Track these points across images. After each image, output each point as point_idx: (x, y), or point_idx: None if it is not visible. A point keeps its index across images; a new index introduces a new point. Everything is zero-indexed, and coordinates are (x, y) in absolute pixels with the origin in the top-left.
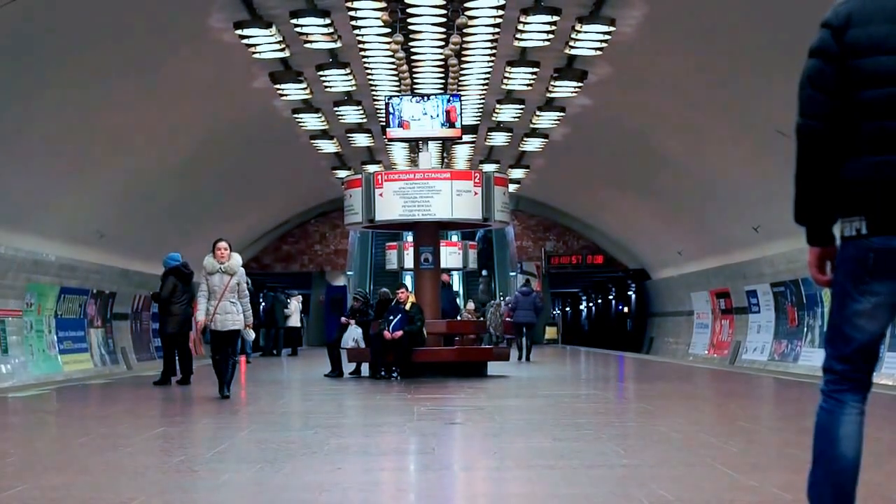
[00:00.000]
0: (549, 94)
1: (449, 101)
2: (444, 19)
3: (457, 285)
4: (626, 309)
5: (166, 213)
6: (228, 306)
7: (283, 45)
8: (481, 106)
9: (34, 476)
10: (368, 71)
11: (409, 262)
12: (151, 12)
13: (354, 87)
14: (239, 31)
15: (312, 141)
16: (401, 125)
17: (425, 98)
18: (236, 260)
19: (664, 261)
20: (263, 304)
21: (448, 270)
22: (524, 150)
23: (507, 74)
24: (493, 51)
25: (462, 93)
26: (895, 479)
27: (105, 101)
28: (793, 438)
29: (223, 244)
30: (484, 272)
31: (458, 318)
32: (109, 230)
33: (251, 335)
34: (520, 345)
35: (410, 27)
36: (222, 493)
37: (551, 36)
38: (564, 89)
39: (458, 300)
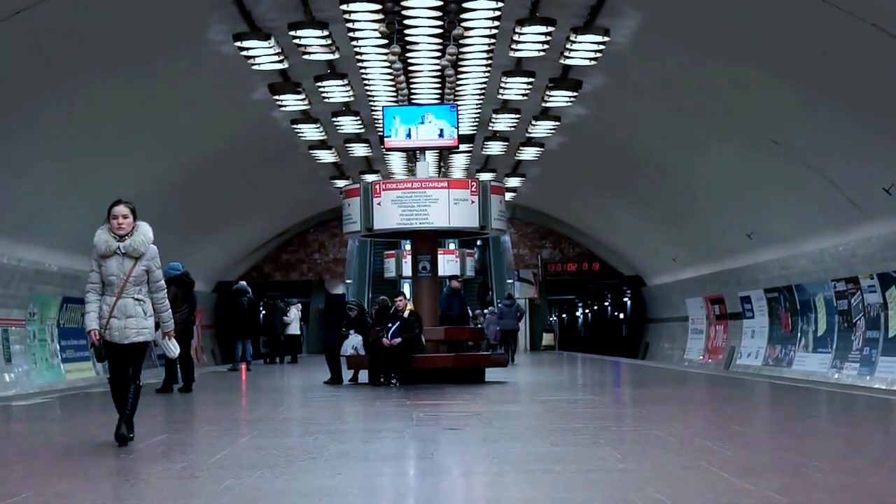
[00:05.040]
0: (544, 104)
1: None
2: (440, 30)
3: None
4: (621, 315)
5: (166, 223)
6: (131, 307)
7: (281, 57)
8: (478, 115)
9: (38, 483)
10: (366, 81)
11: (407, 270)
12: (151, 24)
13: (352, 98)
14: (238, 43)
15: (311, 151)
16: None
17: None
18: (144, 234)
19: (659, 267)
20: (264, 311)
21: (455, 277)
22: (520, 158)
23: (502, 84)
24: (489, 61)
25: (459, 103)
26: (890, 481)
27: (105, 112)
28: (787, 442)
29: (122, 208)
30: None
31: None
32: None
33: (174, 350)
34: (505, 350)
35: (407, 38)
36: (223, 499)
37: (546, 46)
38: (560, 99)
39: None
